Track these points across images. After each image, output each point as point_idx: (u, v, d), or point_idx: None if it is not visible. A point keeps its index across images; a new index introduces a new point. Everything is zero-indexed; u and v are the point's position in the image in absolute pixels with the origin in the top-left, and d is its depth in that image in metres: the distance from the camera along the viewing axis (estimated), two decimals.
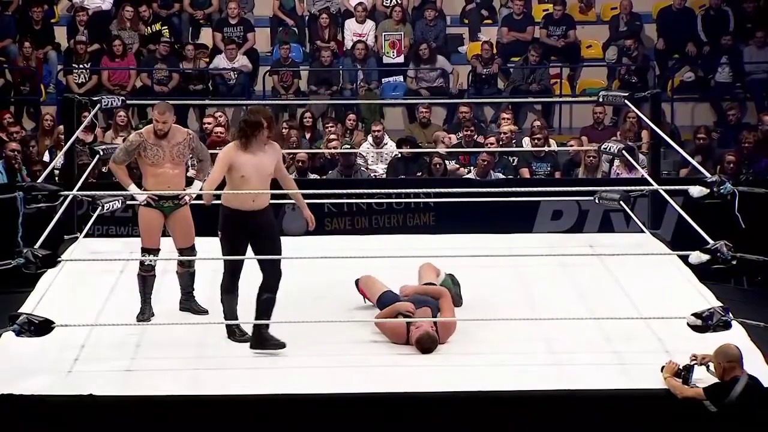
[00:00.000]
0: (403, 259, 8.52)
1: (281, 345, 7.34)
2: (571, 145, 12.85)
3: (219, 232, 7.50)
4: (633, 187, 9.96)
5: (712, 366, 6.77)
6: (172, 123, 7.90)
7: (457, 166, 12.71)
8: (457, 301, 8.16)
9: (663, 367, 6.87)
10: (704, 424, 6.62)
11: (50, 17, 15.60)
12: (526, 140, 13.25)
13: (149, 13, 15.38)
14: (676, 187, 9.24)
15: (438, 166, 12.34)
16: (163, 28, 15.26)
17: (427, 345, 7.41)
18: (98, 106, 9.71)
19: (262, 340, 7.36)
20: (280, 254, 7.43)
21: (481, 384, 6.89)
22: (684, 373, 6.78)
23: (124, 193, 8.39)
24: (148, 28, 15.29)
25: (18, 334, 6.95)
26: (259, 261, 7.39)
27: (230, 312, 7.55)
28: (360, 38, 15.15)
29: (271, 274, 7.38)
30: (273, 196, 7.62)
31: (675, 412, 6.72)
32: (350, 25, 15.43)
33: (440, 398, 6.82)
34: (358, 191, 10.62)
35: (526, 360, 7.25)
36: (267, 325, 7.38)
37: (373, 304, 8.01)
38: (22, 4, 15.47)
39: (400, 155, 12.71)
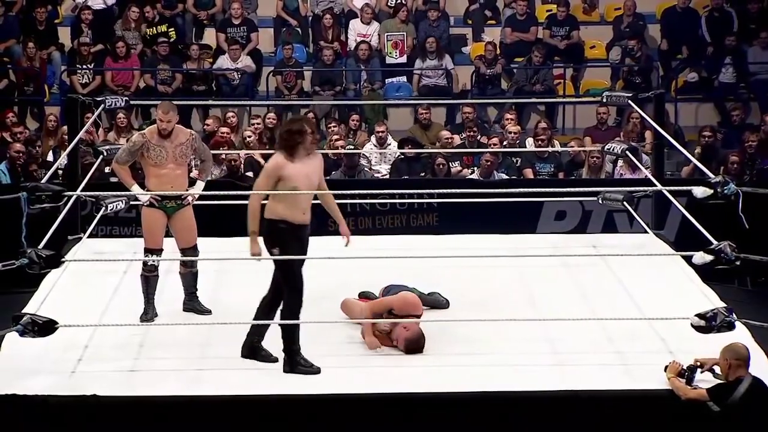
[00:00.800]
0: (407, 259, 8.52)
1: (274, 359, 7.16)
2: (572, 146, 12.84)
3: (277, 250, 7.03)
4: (636, 188, 9.94)
5: (717, 369, 6.76)
6: (176, 122, 7.90)
7: (461, 168, 12.69)
8: (443, 303, 8.17)
9: (666, 367, 6.87)
10: (707, 424, 6.61)
11: (54, 18, 15.59)
12: (529, 141, 13.24)
13: (153, 14, 15.39)
14: (680, 188, 9.22)
15: (441, 166, 12.33)
16: (170, 30, 15.26)
17: (414, 347, 7.37)
18: (102, 106, 9.71)
19: (254, 350, 7.20)
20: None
21: (483, 384, 6.89)
22: (687, 374, 6.77)
23: (127, 193, 8.38)
24: (153, 28, 15.29)
25: (21, 334, 6.95)
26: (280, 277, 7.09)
27: (259, 332, 7.22)
28: (364, 39, 15.15)
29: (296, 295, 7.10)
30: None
31: (678, 413, 6.71)
32: (354, 25, 15.43)
33: (441, 398, 6.81)
34: (361, 192, 10.60)
35: (529, 360, 7.24)
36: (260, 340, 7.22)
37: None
38: (26, 5, 15.48)
39: (403, 156, 12.70)
